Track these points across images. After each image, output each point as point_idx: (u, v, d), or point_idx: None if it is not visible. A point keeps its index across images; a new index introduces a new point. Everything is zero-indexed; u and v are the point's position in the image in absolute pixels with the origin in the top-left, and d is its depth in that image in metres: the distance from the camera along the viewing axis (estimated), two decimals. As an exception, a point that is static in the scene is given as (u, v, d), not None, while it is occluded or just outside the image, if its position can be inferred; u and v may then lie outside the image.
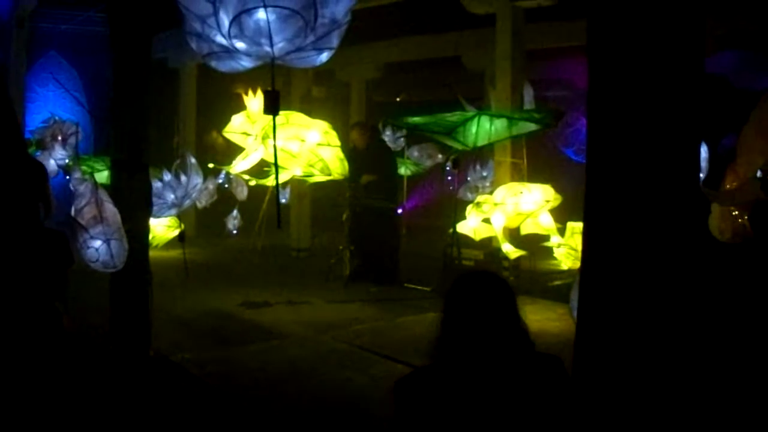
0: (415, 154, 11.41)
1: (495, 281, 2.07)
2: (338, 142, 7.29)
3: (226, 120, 7.27)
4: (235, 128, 7.15)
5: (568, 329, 4.27)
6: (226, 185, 10.94)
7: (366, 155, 8.09)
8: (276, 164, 5.24)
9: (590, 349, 2.49)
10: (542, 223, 7.59)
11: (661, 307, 2.37)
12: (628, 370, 2.38)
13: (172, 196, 7.61)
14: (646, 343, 2.37)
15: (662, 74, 2.38)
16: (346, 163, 7.36)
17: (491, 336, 1.98)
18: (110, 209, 4.55)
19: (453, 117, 6.65)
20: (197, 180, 7.83)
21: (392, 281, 7.81)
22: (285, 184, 9.97)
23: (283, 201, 10.90)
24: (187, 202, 7.90)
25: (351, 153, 7.96)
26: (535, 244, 7.85)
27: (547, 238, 7.68)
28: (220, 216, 11.26)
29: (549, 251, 7.94)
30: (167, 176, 7.64)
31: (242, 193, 10.77)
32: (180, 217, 8.07)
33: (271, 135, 5.15)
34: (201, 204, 10.64)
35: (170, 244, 8.37)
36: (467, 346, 1.99)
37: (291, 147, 6.93)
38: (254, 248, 9.42)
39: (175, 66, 11.95)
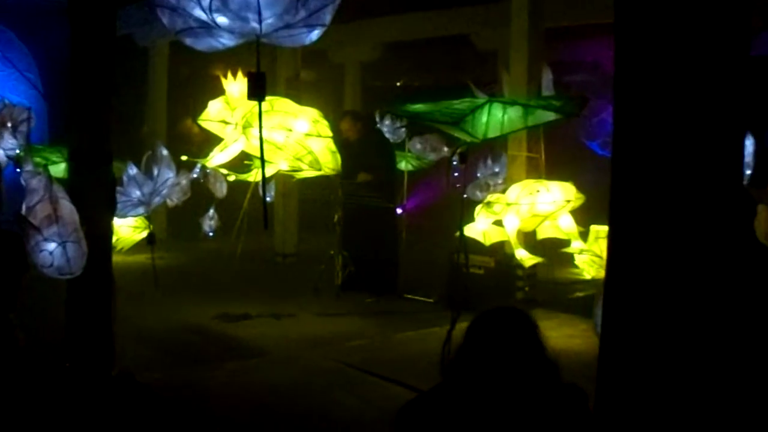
0: (417, 146, 11.41)
1: (519, 318, 2.23)
2: (330, 133, 7.28)
3: (202, 106, 7.25)
4: (213, 116, 7.13)
5: (590, 348, 4.27)
6: (202, 181, 10.93)
7: (359, 148, 8.10)
8: (262, 157, 5.22)
9: (616, 371, 2.48)
10: (562, 226, 7.58)
11: (699, 325, 2.35)
12: (660, 398, 2.36)
13: (139, 192, 7.59)
14: (682, 366, 2.35)
15: (701, 56, 2.36)
16: (338, 157, 7.35)
17: (513, 373, 2.15)
18: (67, 207, 4.53)
19: (461, 104, 6.63)
20: (168, 174, 7.81)
21: (390, 291, 7.81)
22: (269, 180, 9.93)
23: (267, 199, 10.88)
24: (157, 200, 7.88)
25: (343, 145, 7.96)
26: (553, 251, 7.85)
27: (567, 243, 7.67)
28: (194, 216, 11.25)
29: (570, 258, 7.93)
30: (133, 170, 7.62)
31: (220, 190, 10.75)
32: (148, 217, 8.05)
33: (255, 123, 5.15)
34: (172, 202, 10.58)
35: (137, 247, 8.34)
36: (487, 380, 2.13)
37: (276, 138, 6.92)
38: (233, 253, 9.41)
39: (144, 44, 11.95)
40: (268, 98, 6.92)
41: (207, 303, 7.31)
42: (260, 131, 5.15)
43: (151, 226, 8.12)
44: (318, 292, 7.86)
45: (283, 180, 9.74)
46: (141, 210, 7.80)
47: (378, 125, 10.10)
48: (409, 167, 11.01)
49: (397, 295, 7.76)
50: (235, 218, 9.70)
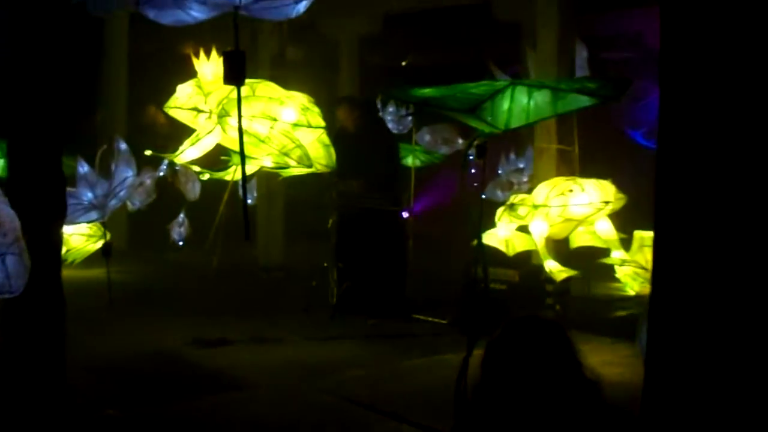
0: (427, 138, 11.45)
1: (550, 330, 2.23)
2: (322, 122, 7.29)
3: (170, 91, 7.28)
4: (182, 102, 7.16)
5: (634, 378, 4.27)
6: (170, 180, 10.98)
7: (358, 141, 8.11)
8: (242, 152, 5.24)
9: (663, 406, 2.48)
10: (600, 232, 7.60)
11: (763, 350, 2.33)
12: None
13: (91, 194, 7.62)
14: (742, 401, 2.34)
15: (765, 27, 2.34)
16: (332, 151, 7.36)
17: (547, 396, 2.13)
18: (6, 213, 4.53)
19: (478, 88, 6.63)
20: (127, 173, 7.85)
21: (395, 311, 7.81)
22: (250, 179, 9.95)
23: (249, 202, 10.90)
24: (113, 203, 7.91)
25: (338, 137, 7.97)
26: (589, 261, 7.85)
27: (606, 252, 7.69)
28: (161, 222, 11.27)
29: (609, 271, 7.94)
30: (84, 167, 7.65)
31: (192, 191, 10.80)
32: (105, 223, 8.08)
33: (233, 112, 5.17)
34: (134, 206, 10.67)
35: (91, 260, 8.37)
36: (515, 409, 2.12)
37: (258, 128, 6.94)
38: (208, 266, 9.42)
39: (99, 14, 11.96)
40: (248, 81, 6.94)
41: (177, 326, 7.31)
42: (239, 121, 5.17)
43: (108, 235, 8.15)
44: (309, 313, 7.87)
45: (267, 179, 9.77)
46: (94, 215, 7.83)
47: (380, 113, 10.13)
48: (417, 163, 11.04)
49: (404, 316, 7.76)
50: (209, 225, 9.72)
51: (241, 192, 5.67)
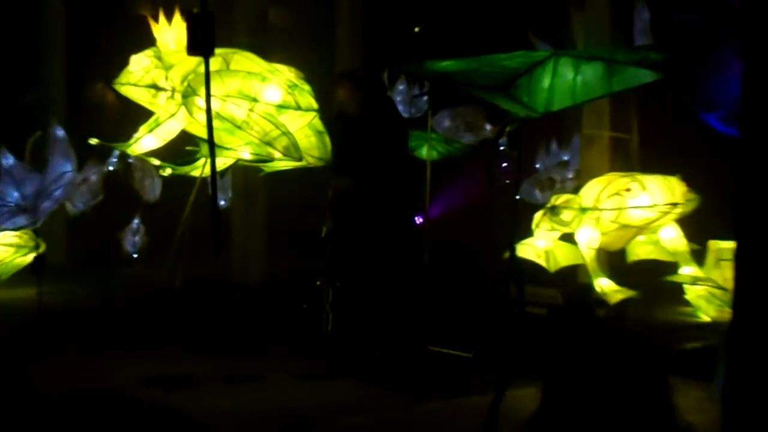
0: (446, 124, 11.47)
1: (644, 349, 2.22)
2: (314, 104, 7.31)
3: (122, 63, 7.30)
4: (137, 77, 7.18)
5: (709, 426, 4.28)
6: (123, 177, 10.99)
7: (361, 127, 8.10)
8: (211, 140, 5.25)
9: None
10: (665, 242, 7.60)
11: None
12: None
13: (17, 193, 7.63)
14: None
15: None
16: (327, 140, 7.37)
17: None
18: None
19: (511, 61, 6.65)
20: (66, 167, 7.86)
21: (407, 341, 7.82)
22: (223, 175, 9.96)
23: (222, 204, 10.91)
24: (47, 205, 7.92)
25: (336, 123, 7.98)
26: (652, 279, 7.85)
27: (673, 267, 7.68)
28: (109, 230, 11.28)
29: (677, 291, 7.93)
30: (9, 159, 7.67)
31: (150, 191, 10.82)
32: (39, 231, 8.09)
33: (201, 90, 5.18)
34: (75, 208, 10.68)
35: (21, 276, 8.38)
36: None
37: (233, 111, 6.96)
38: (169, 285, 9.42)
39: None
40: (220, 52, 6.98)
41: (127, 361, 7.31)
42: (208, 101, 5.17)
43: (42, 246, 8.15)
44: (297, 343, 7.87)
45: (245, 175, 9.77)
46: (23, 220, 7.83)
47: (388, 92, 10.14)
48: (434, 155, 11.02)
49: (417, 348, 7.76)
50: (172, 233, 9.71)
51: (210, 191, 5.66)
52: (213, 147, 5.34)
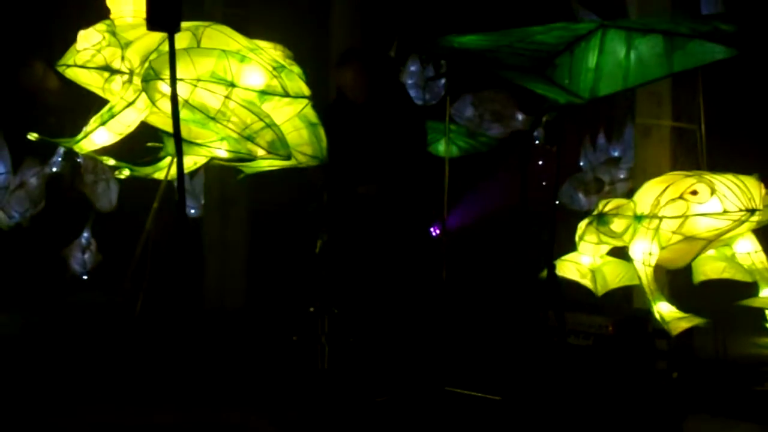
0: (469, 113, 11.49)
1: None
2: (306, 89, 7.32)
3: (68, 40, 7.32)
4: (86, 57, 7.19)
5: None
6: (68, 180, 11.01)
7: (367, 118, 8.10)
8: (177, 135, 5.27)
9: None
10: (740, 257, 7.59)
11: None
12: None
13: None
14: None
15: None
16: (322, 133, 7.39)
17: None
18: None
19: (548, 35, 6.67)
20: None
21: (419, 381, 7.84)
22: (192, 175, 9.99)
23: (192, 213, 10.92)
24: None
25: (334, 112, 8.00)
26: (724, 304, 7.85)
27: (751, 290, 7.67)
28: (53, 244, 11.30)
29: (756, 318, 7.91)
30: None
31: (104, 197, 10.83)
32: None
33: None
34: (10, 218, 10.69)
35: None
36: None
37: (206, 98, 6.98)
38: (128, 312, 9.44)
39: None
40: (189, 26, 6.99)
41: (75, 410, 7.34)
42: (173, 87, 5.18)
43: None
44: (285, 384, 7.88)
45: (221, 178, 9.79)
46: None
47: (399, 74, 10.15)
48: (454, 151, 11.04)
49: (433, 390, 7.78)
50: (130, 248, 9.74)
51: (178, 198, 5.66)
52: (180, 143, 5.36)
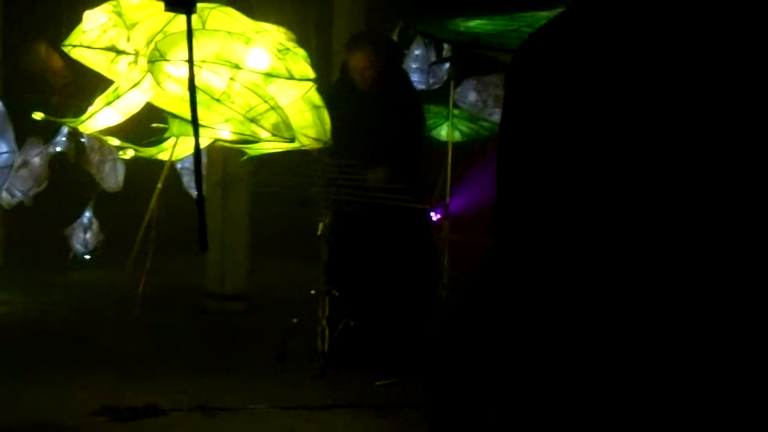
0: (472, 98, 11.43)
1: None
2: (310, 72, 7.29)
3: (73, 20, 7.28)
4: (92, 38, 7.16)
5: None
6: (73, 160, 10.98)
7: (371, 102, 8.07)
8: (194, 116, 5.20)
9: None
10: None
11: None
12: None
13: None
14: None
15: None
16: (326, 117, 7.35)
17: None
18: None
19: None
20: (0, 147, 7.85)
21: (419, 364, 7.80)
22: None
23: (194, 194, 10.88)
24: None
25: (337, 95, 7.96)
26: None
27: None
28: (56, 224, 11.29)
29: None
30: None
31: (109, 177, 10.78)
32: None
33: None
34: (13, 198, 10.65)
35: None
36: None
37: (210, 80, 6.95)
38: (130, 294, 9.41)
39: None
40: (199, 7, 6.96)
41: (79, 386, 7.32)
42: (191, 68, 5.12)
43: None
44: (285, 366, 7.85)
45: (225, 160, 9.74)
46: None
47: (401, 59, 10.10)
48: (457, 136, 11.00)
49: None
50: (133, 229, 9.69)
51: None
52: (197, 124, 5.31)
